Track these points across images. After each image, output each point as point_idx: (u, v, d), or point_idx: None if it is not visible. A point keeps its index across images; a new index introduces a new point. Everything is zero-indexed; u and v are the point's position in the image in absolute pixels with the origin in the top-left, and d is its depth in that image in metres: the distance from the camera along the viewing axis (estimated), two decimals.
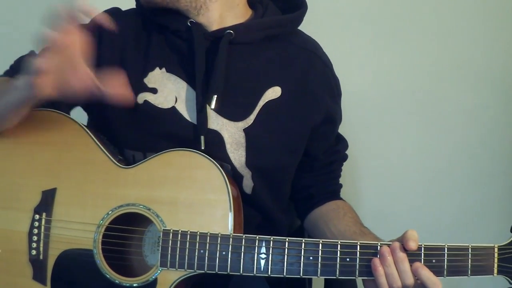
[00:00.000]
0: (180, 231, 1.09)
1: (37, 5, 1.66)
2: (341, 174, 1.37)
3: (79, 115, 1.26)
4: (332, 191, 1.34)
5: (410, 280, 1.03)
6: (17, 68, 1.25)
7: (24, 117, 1.16)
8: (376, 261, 1.04)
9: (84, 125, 1.20)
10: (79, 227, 1.13)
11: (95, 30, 1.23)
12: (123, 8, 1.30)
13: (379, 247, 1.05)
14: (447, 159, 1.84)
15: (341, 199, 1.34)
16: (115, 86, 1.05)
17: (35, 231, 1.14)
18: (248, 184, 1.22)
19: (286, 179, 1.29)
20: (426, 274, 1.02)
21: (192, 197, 1.11)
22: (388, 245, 1.05)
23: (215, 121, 1.20)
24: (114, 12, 1.27)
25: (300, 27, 1.30)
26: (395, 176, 1.83)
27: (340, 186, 1.36)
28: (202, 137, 1.18)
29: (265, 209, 1.26)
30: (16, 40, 1.50)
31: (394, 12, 1.77)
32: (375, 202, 1.82)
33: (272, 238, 1.07)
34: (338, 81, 1.32)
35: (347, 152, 1.36)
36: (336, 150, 1.34)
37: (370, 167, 1.82)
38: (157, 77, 1.21)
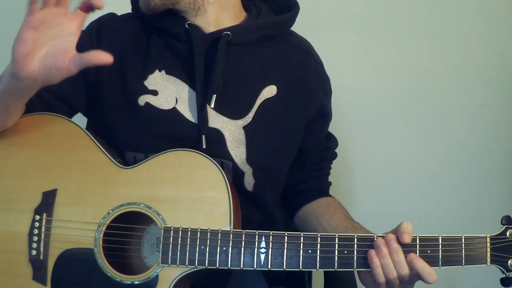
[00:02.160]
0: (181, 228, 1.11)
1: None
2: (337, 173, 1.40)
3: (79, 118, 1.28)
4: (322, 188, 1.37)
5: (405, 270, 1.06)
6: None
7: (20, 112, 1.16)
8: (372, 252, 1.07)
9: (84, 128, 1.22)
10: (80, 226, 1.14)
11: (93, 34, 1.26)
12: (119, 13, 1.33)
13: (375, 239, 1.08)
14: (445, 158, 1.85)
15: (330, 196, 1.38)
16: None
17: (36, 231, 1.15)
18: (249, 181, 1.25)
19: (283, 175, 1.33)
20: (421, 264, 1.05)
21: (192, 195, 1.13)
22: (383, 237, 1.08)
23: (216, 120, 1.23)
24: (110, 18, 1.30)
25: (297, 28, 1.35)
26: (392, 175, 1.85)
27: (330, 184, 1.40)
28: (204, 136, 1.21)
29: (265, 207, 1.29)
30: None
31: (392, 11, 1.81)
32: (372, 201, 1.83)
33: (271, 233, 1.10)
34: (329, 80, 1.37)
35: (339, 150, 1.40)
36: (327, 147, 1.38)
37: (367, 166, 1.84)
38: (157, 79, 1.24)
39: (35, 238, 1.15)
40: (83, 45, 1.24)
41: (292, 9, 1.33)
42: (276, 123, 1.27)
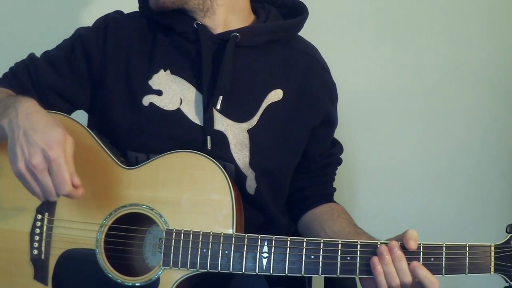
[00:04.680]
0: (183, 231, 1.11)
1: (38, 5, 1.68)
2: (339, 176, 1.39)
3: (80, 115, 1.27)
4: (326, 194, 1.36)
5: (408, 278, 1.05)
6: (17, 73, 1.25)
7: None
8: (375, 259, 1.06)
9: (87, 127, 1.21)
10: (81, 226, 1.14)
11: (100, 32, 1.25)
12: (126, 11, 1.32)
13: (378, 245, 1.07)
14: (447, 159, 1.85)
15: (334, 202, 1.36)
16: None
17: (37, 230, 1.15)
18: (251, 184, 1.24)
19: (286, 180, 1.32)
20: (424, 273, 1.05)
21: (195, 197, 1.13)
22: (386, 244, 1.07)
23: (220, 122, 1.22)
24: (117, 15, 1.29)
25: (302, 29, 1.33)
26: (393, 176, 1.84)
27: (334, 189, 1.39)
28: (209, 138, 1.20)
29: (267, 210, 1.28)
30: (16, 40, 1.50)
31: (395, 12, 1.80)
32: (374, 203, 1.83)
33: (274, 238, 1.09)
34: (336, 86, 1.36)
35: (342, 156, 1.39)
36: (331, 153, 1.36)
37: (369, 168, 1.83)
38: (162, 79, 1.23)
39: (37, 238, 1.15)
40: (89, 43, 1.24)
41: (301, 14, 1.31)
42: (281, 127, 1.26)
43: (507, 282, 1.08)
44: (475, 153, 1.86)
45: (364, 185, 1.84)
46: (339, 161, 1.39)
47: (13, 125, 1.02)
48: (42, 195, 1.02)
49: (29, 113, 1.04)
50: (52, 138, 1.00)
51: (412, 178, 1.85)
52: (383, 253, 1.05)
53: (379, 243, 1.08)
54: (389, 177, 1.84)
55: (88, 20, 1.31)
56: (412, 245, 1.05)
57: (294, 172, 1.32)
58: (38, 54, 1.28)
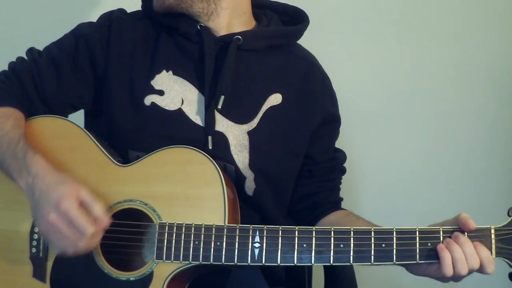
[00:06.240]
0: (175, 224, 1.11)
1: (37, 5, 1.72)
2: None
3: (77, 118, 1.30)
4: (336, 202, 1.34)
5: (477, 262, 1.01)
6: (20, 75, 1.26)
7: None
8: (443, 246, 1.02)
9: (85, 129, 1.23)
10: None
11: (104, 30, 1.28)
12: (128, 10, 1.34)
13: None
14: (449, 160, 1.83)
15: (344, 209, 1.33)
16: None
17: (36, 229, 1.16)
18: (250, 186, 1.24)
19: (288, 184, 1.30)
20: (486, 254, 1.01)
21: (188, 191, 1.13)
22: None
23: (221, 123, 1.23)
24: (121, 14, 1.31)
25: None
26: (395, 178, 1.82)
27: (341, 199, 1.36)
28: (210, 138, 1.21)
29: (265, 212, 1.27)
30: (15, 38, 1.55)
31: (395, 13, 1.80)
32: (375, 204, 1.81)
33: (265, 227, 1.08)
34: (335, 94, 1.36)
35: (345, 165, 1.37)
36: (335, 157, 1.35)
37: (369, 168, 1.81)
38: (164, 79, 1.25)
39: (36, 236, 1.16)
40: (94, 43, 1.26)
41: (301, 22, 1.33)
42: (280, 130, 1.26)
43: (511, 266, 1.03)
44: (478, 154, 1.85)
45: (365, 186, 1.82)
46: (343, 170, 1.37)
47: (32, 189, 1.10)
48: (71, 246, 1.07)
49: (42, 176, 1.11)
50: (62, 193, 1.07)
51: (415, 180, 1.83)
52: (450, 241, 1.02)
53: (372, 229, 1.05)
54: (390, 178, 1.83)
55: (88, 17, 1.34)
56: (472, 224, 1.02)
57: (298, 177, 1.31)
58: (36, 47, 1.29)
